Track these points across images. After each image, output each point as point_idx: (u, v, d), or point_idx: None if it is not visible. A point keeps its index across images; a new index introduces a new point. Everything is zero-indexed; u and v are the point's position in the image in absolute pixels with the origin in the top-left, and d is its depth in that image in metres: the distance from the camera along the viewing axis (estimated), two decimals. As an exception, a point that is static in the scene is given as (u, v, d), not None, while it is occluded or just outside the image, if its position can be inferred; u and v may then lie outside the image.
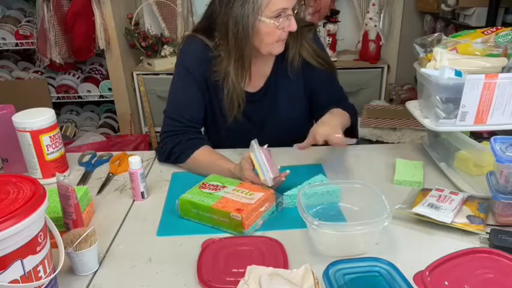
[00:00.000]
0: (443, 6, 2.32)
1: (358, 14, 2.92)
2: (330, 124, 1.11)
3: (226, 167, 1.13)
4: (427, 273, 0.71)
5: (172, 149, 1.22)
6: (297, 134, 1.18)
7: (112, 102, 2.89)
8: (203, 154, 1.20)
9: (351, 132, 1.28)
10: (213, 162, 1.17)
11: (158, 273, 0.82)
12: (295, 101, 1.33)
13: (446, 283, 0.70)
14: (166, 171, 1.22)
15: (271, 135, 1.25)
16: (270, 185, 1.00)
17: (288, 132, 1.30)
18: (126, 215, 1.02)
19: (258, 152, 1.01)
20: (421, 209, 0.93)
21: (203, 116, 1.31)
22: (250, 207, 0.92)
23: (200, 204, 0.95)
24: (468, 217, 0.91)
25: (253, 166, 1.02)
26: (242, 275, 0.71)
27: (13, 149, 1.13)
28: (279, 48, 1.19)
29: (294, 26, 1.14)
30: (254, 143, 1.03)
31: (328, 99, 1.31)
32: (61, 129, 2.66)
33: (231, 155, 1.22)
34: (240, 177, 1.07)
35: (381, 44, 2.81)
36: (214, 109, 1.30)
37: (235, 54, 1.17)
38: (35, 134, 1.08)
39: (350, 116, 1.28)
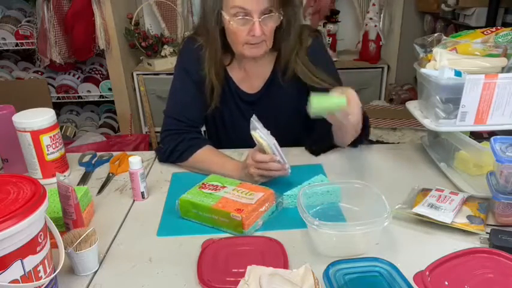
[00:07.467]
0: (443, 6, 2.32)
1: (358, 14, 2.92)
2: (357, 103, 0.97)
3: (234, 163, 1.13)
4: (427, 273, 0.71)
5: (175, 147, 1.21)
6: (295, 137, 1.16)
7: (112, 102, 2.89)
8: (207, 152, 1.20)
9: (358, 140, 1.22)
10: (217, 160, 1.17)
11: (158, 273, 0.82)
12: (292, 107, 1.29)
13: (446, 283, 0.70)
14: (166, 171, 1.22)
15: None
16: (272, 153, 1.01)
17: (286, 135, 1.26)
18: (126, 215, 1.02)
19: (262, 130, 1.01)
20: (421, 209, 0.93)
21: (203, 116, 1.31)
22: (250, 207, 0.92)
23: (200, 205, 0.95)
24: (468, 217, 0.91)
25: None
26: (242, 275, 0.71)
27: (13, 149, 1.13)
28: (250, 52, 1.14)
29: (256, 31, 1.07)
30: (255, 121, 1.01)
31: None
32: (61, 129, 2.66)
33: (231, 155, 1.22)
34: (247, 175, 1.07)
35: (381, 44, 2.81)
36: (212, 109, 1.30)
37: (209, 46, 1.18)
38: (35, 134, 1.08)
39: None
